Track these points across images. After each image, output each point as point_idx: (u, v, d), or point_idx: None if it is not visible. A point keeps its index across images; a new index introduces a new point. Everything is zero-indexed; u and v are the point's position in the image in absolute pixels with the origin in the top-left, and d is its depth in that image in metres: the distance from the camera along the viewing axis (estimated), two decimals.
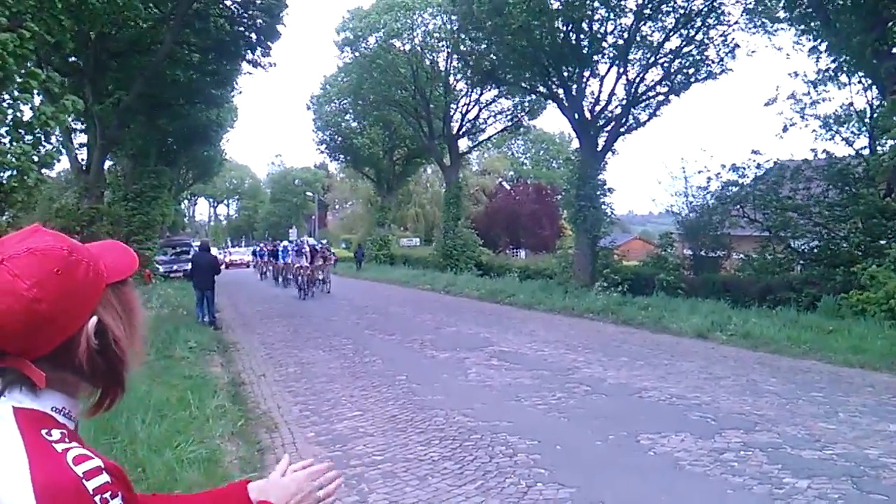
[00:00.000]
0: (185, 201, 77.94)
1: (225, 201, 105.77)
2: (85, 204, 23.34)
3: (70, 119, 16.62)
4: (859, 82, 19.77)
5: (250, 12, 22.44)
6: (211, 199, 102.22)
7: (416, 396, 8.56)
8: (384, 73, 37.92)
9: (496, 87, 34.67)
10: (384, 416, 7.62)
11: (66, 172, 32.84)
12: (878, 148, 18.69)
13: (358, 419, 7.51)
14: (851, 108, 20.31)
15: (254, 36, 22.80)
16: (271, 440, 6.79)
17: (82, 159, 26.54)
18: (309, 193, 78.65)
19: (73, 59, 22.53)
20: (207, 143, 40.35)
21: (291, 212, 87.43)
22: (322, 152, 53.16)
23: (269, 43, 23.59)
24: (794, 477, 5.49)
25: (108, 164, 28.62)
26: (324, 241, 36.70)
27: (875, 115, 18.94)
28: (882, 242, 16.41)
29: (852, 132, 20.86)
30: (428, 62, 39.15)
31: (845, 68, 19.25)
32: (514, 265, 30.92)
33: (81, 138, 27.63)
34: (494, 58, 27.19)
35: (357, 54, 40.50)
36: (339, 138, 48.88)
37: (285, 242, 34.84)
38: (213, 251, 21.70)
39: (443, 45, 37.36)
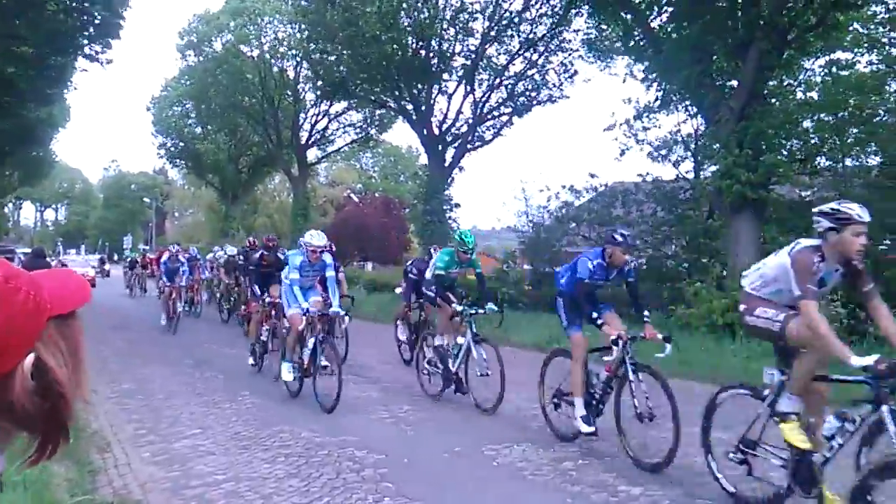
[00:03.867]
0: (10, 205, 72.60)
1: (54, 206, 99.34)
2: None
3: None
4: (686, 111, 21.22)
5: (87, 5, 21.16)
6: (38, 203, 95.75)
7: (261, 413, 8.38)
8: (231, 78, 36.96)
9: (346, 99, 34.62)
10: (227, 433, 7.41)
11: None
12: (702, 172, 20.14)
13: (198, 437, 7.25)
14: (679, 134, 21.78)
15: (92, 30, 21.53)
16: (103, 461, 6.43)
17: None
18: (146, 200, 75.12)
19: None
20: (36, 144, 37.80)
21: (126, 218, 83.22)
22: (162, 157, 51.14)
23: (108, 38, 22.35)
24: (628, 485, 5.78)
25: None
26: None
27: (699, 142, 20.42)
28: (705, 261, 17.62)
29: (679, 157, 22.33)
30: (277, 70, 38.49)
31: (674, 97, 20.60)
32: (362, 277, 30.87)
33: None
34: (345, 69, 27.15)
35: (202, 57, 39.23)
36: (182, 143, 47.14)
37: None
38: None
39: (293, 54, 36.87)
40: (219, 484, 5.78)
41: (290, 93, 39.06)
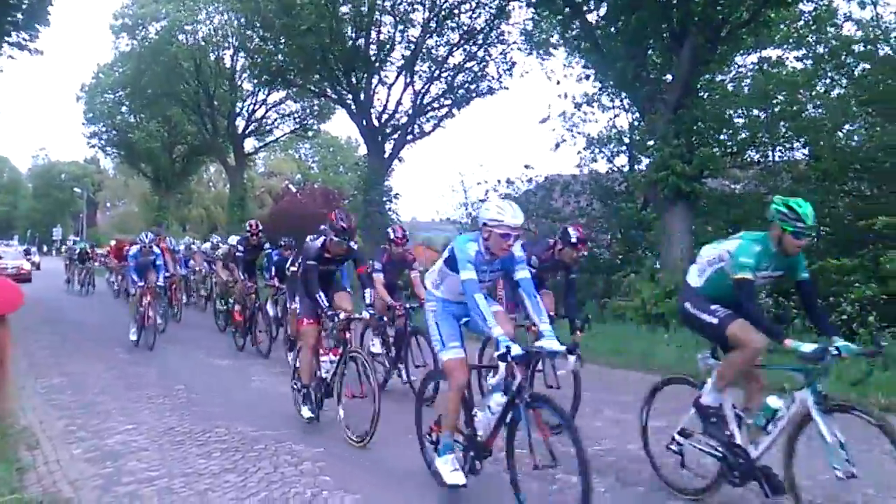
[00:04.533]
0: None
1: None
2: None
3: None
4: (621, 104, 21.58)
5: None
6: None
7: (196, 407, 8.23)
8: (165, 65, 36.08)
9: (284, 89, 34.19)
10: (160, 428, 7.25)
11: None
12: (637, 165, 20.51)
13: (131, 433, 7.08)
14: (614, 128, 22.14)
15: (19, 16, 20.70)
16: (32, 458, 6.23)
17: None
18: (77, 190, 73.00)
19: None
20: None
21: (56, 209, 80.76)
22: (93, 146, 49.73)
23: (36, 26, 21.54)
24: (566, 473, 5.66)
25: None
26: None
27: (634, 136, 20.79)
28: (639, 252, 17.97)
29: (614, 151, 22.70)
30: (213, 58, 37.74)
31: (609, 91, 20.93)
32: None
33: None
34: (283, 58, 26.81)
35: (135, 42, 38.21)
36: (114, 132, 45.88)
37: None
38: None
39: (230, 42, 36.20)
40: (151, 481, 5.66)
41: (226, 81, 38.38)
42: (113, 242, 26.24)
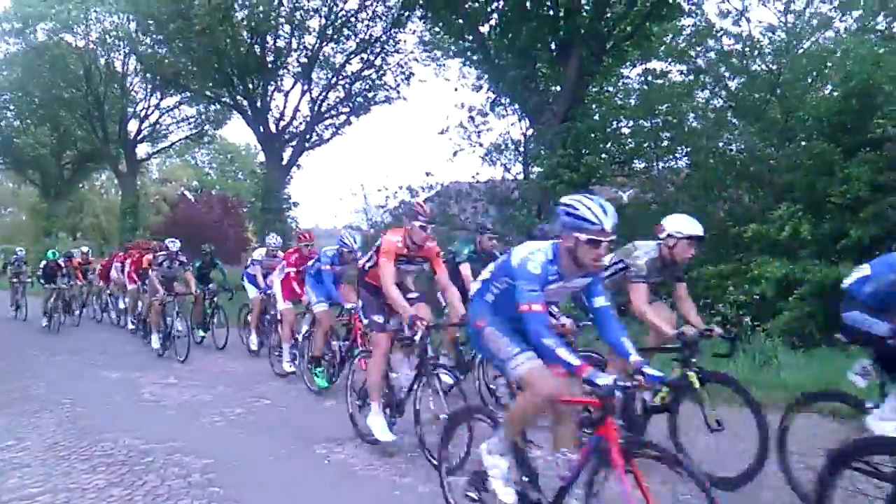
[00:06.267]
0: None
1: None
2: None
3: None
4: (515, 114, 22.15)
5: None
6: None
7: (82, 421, 8.07)
8: (53, 68, 34.65)
9: (179, 94, 33.41)
10: (43, 444, 7.10)
11: None
12: (531, 173, 21.09)
13: (12, 449, 6.91)
14: (509, 137, 22.69)
15: None
16: None
17: None
18: None
19: None
20: None
21: None
22: None
23: None
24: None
25: None
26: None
27: (528, 145, 21.37)
28: None
29: (509, 159, 23.24)
30: (104, 61, 36.50)
31: (503, 101, 21.45)
32: None
33: None
34: (177, 63, 26.26)
35: (24, 44, 36.54)
36: None
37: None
38: None
39: (121, 45, 35.08)
40: (33, 497, 5.58)
41: (117, 85, 37.18)
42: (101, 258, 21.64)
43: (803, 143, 15.98)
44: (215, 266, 14.88)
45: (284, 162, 26.99)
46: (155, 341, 12.88)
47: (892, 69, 14.52)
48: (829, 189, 13.81)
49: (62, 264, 18.01)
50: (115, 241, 38.10)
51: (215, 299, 14.24)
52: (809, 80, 18.64)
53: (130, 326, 16.37)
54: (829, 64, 18.00)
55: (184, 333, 12.19)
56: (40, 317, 17.41)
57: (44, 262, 18.22)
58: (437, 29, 22.12)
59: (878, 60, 14.72)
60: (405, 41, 25.53)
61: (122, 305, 17.89)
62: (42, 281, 17.73)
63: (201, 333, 14.22)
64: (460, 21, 18.59)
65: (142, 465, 6.37)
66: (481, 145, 23.08)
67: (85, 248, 21.21)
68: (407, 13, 23.40)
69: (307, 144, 27.23)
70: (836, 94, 16.83)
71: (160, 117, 39.54)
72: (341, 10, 24.94)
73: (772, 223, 13.79)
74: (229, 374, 11.17)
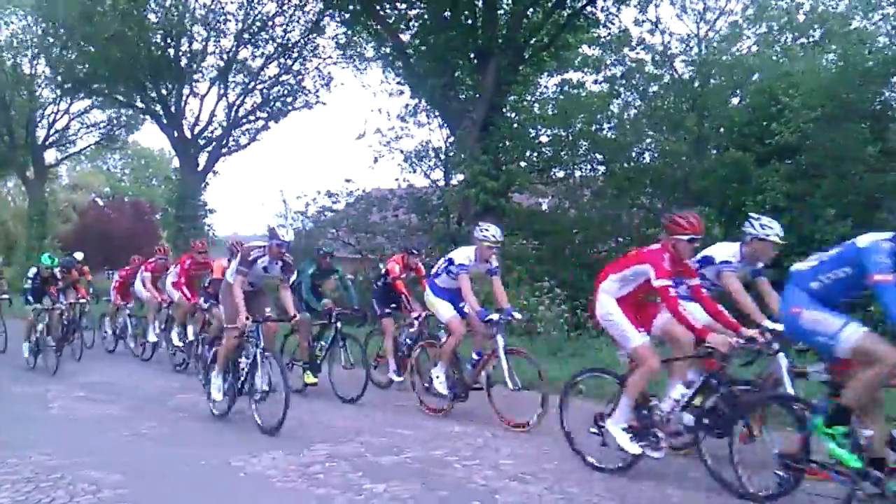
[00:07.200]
0: None
1: None
2: None
3: None
4: (435, 120, 22.26)
5: None
6: None
7: None
8: None
9: (89, 98, 32.34)
10: None
11: None
12: (451, 181, 21.23)
13: None
14: (429, 144, 22.78)
15: None
16: None
17: None
18: None
19: None
20: None
21: None
22: None
23: None
24: (372, 482, 5.97)
25: None
26: None
27: (449, 152, 21.51)
28: None
29: (430, 166, 23.32)
30: (10, 64, 35.00)
31: (424, 108, 21.54)
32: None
33: None
34: (86, 67, 25.44)
35: None
36: None
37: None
38: None
39: (29, 49, 33.70)
40: None
41: (24, 89, 35.70)
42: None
43: (714, 153, 16.58)
44: (337, 276, 11.01)
45: (200, 168, 26.44)
46: (216, 392, 8.49)
47: (791, 80, 15.27)
48: (744, 197, 14.34)
49: (58, 275, 13.00)
50: (21, 249, 36.51)
51: (338, 326, 10.02)
52: (722, 91, 19.30)
53: (161, 347, 13.10)
54: (738, 76, 18.71)
55: (280, 389, 7.62)
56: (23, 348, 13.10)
57: (34, 271, 12.97)
58: (356, 35, 22.06)
59: (784, 71, 15.46)
60: (325, 46, 25.37)
61: (154, 333, 13.20)
62: (31, 298, 12.60)
63: (311, 380, 9.85)
64: (379, 27, 18.59)
65: (49, 482, 6.08)
66: (401, 151, 23.15)
67: (80, 255, 15.05)
68: (326, 18, 23.28)
69: (224, 150, 26.76)
70: (744, 104, 17.56)
71: (69, 122, 38.15)
72: (258, 13, 24.63)
73: None
74: (142, 386, 10.85)
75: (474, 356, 8.37)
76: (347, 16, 19.39)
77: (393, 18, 18.63)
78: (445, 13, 17.09)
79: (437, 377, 8.48)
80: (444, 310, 8.62)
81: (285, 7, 24.50)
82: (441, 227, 20.00)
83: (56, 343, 12.07)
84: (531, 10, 17.62)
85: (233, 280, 8.22)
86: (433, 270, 9.01)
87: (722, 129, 16.59)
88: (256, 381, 7.84)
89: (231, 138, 26.71)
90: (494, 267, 8.48)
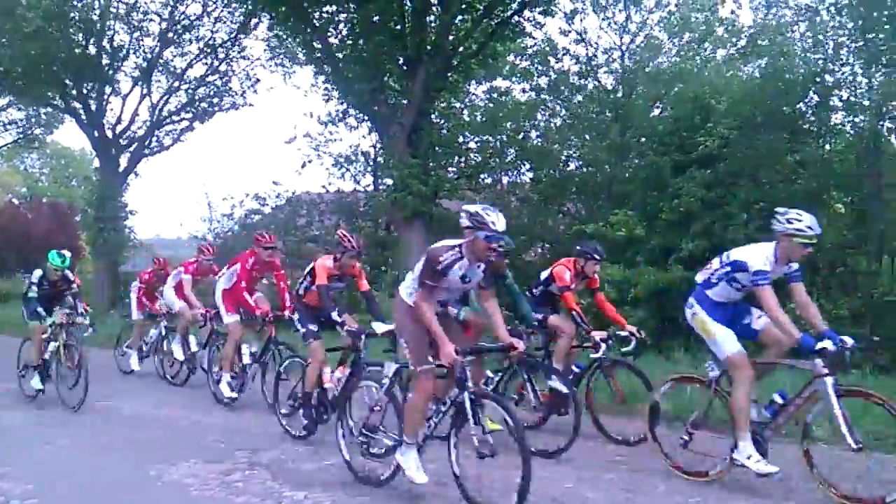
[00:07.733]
0: None
1: None
2: None
3: None
4: (364, 124, 22.24)
5: None
6: None
7: None
8: None
9: (4, 96, 31.20)
10: None
11: None
12: (380, 186, 21.26)
13: None
14: (359, 148, 22.77)
15: None
16: None
17: None
18: None
19: None
20: None
21: None
22: None
23: None
24: (293, 490, 5.92)
25: None
26: None
27: (378, 156, 21.52)
28: (382, 269, 18.65)
29: (359, 170, 23.29)
30: None
31: (353, 112, 21.51)
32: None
33: None
34: (2, 63, 24.55)
35: None
36: None
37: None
38: None
39: None
40: None
41: None
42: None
43: (636, 161, 17.01)
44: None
45: (122, 168, 25.78)
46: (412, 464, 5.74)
47: (717, 87, 15.80)
48: (662, 203, 14.73)
49: (71, 278, 10.15)
50: None
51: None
52: (645, 101, 19.79)
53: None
54: (660, 86, 19.24)
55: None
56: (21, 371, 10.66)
57: (38, 275, 9.99)
58: (284, 36, 21.87)
59: (705, 83, 15.96)
60: (252, 47, 25.11)
61: (183, 350, 11.40)
62: (40, 310, 9.66)
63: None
64: (308, 29, 18.46)
65: None
66: (330, 155, 23.03)
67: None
68: (253, 19, 23.01)
69: (147, 150, 26.14)
70: (666, 114, 18.05)
71: None
72: (183, 14, 24.19)
73: (611, 226, 14.63)
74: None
75: (777, 398, 5.85)
76: (275, 16, 19.18)
77: (321, 20, 18.50)
78: (374, 18, 17.07)
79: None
80: (726, 340, 5.83)
81: (211, 8, 24.13)
82: (370, 231, 20.00)
83: (76, 366, 9.28)
84: (460, 17, 17.74)
85: (415, 298, 5.48)
86: (700, 278, 6.22)
87: (643, 139, 16.99)
88: (475, 437, 5.12)
89: (154, 139, 26.11)
90: (795, 271, 5.79)
